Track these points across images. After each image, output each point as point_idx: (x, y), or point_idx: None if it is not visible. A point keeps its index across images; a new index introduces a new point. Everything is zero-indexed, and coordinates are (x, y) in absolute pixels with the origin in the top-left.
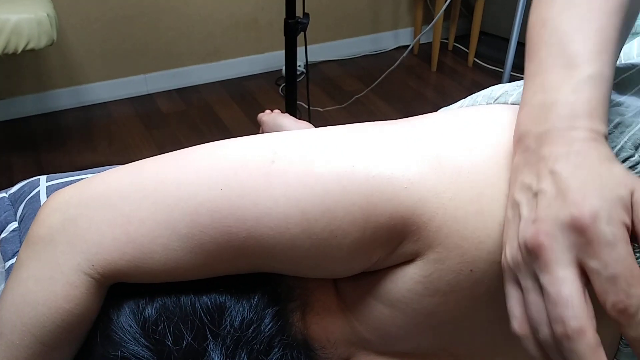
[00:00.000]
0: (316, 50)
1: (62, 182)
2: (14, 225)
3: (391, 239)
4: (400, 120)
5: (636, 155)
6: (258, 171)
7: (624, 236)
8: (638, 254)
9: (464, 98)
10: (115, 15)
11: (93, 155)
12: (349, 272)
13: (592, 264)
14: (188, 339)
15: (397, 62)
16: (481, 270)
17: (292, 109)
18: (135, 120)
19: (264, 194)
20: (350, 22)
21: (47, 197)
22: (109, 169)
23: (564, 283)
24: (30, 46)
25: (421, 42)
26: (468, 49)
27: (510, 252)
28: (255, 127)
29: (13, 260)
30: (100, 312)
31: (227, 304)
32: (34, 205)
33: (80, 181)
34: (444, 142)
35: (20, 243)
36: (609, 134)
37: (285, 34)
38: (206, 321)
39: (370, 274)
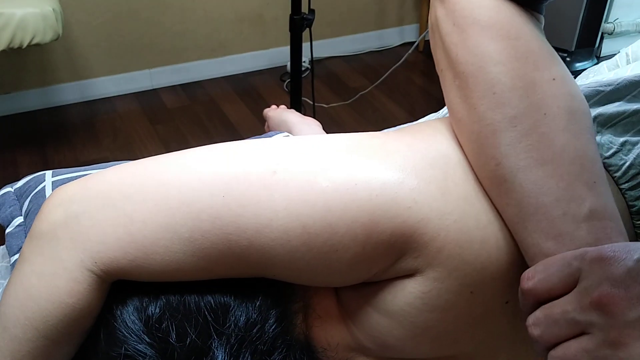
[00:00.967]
0: (321, 46)
1: (67, 177)
2: (19, 220)
3: (391, 254)
4: (407, 132)
5: None
6: (259, 182)
7: None
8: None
9: None
10: (121, 10)
11: (97, 149)
12: (349, 282)
13: None
14: (192, 337)
15: (403, 58)
16: (482, 292)
17: (296, 105)
18: (140, 115)
19: (264, 205)
20: (355, 18)
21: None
22: (115, 164)
23: None
24: (35, 41)
25: (427, 38)
26: None
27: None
28: (259, 123)
29: (18, 255)
30: (103, 310)
31: (231, 304)
32: (40, 200)
33: (82, 177)
34: (452, 162)
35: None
36: (617, 152)
37: (290, 30)
38: (210, 319)
39: (371, 284)
